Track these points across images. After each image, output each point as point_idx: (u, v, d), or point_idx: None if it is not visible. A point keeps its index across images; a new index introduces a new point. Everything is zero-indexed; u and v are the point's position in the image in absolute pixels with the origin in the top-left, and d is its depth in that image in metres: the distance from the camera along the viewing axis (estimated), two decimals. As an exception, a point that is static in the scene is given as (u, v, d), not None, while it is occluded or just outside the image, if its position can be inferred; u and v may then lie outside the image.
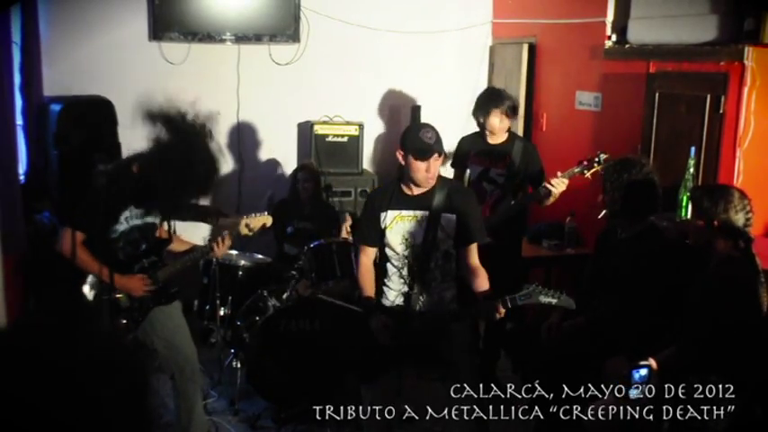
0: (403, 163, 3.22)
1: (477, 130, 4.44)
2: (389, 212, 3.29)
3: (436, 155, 3.14)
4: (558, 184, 3.98)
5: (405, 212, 3.29)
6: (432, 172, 3.17)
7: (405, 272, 3.31)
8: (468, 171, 4.50)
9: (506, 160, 4.27)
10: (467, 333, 3.31)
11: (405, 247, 3.28)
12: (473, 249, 3.31)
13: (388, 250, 3.33)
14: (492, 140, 4.30)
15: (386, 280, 3.38)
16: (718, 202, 2.85)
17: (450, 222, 3.26)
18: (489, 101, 4.29)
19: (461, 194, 3.37)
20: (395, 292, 3.35)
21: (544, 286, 3.04)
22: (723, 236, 2.87)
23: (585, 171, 4.00)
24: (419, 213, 3.26)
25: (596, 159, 3.97)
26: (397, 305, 3.33)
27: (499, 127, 4.28)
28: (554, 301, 2.99)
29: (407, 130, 3.35)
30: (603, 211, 3.58)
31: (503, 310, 3.02)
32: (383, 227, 3.30)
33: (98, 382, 0.97)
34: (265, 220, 3.52)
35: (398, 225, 3.29)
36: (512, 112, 4.32)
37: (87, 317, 3.09)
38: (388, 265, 3.35)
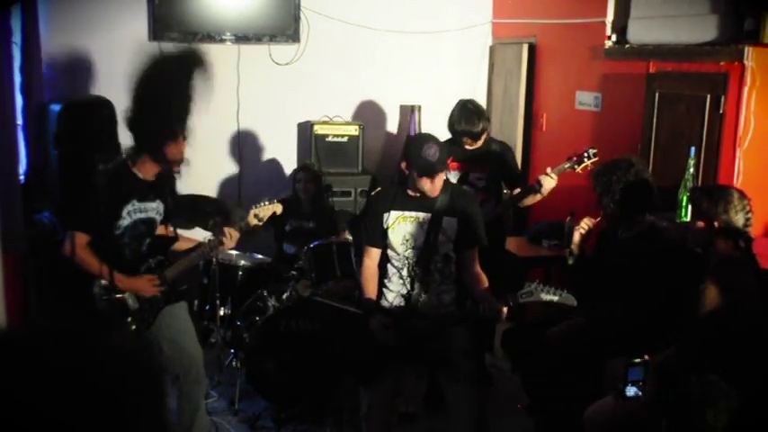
0: (407, 173, 3.26)
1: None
2: (392, 213, 3.32)
3: (440, 174, 3.20)
4: (546, 181, 3.97)
5: (407, 213, 3.32)
6: (436, 185, 3.23)
7: (404, 272, 3.32)
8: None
9: (486, 164, 4.22)
10: (466, 335, 3.30)
11: (405, 248, 3.30)
12: (474, 254, 3.34)
13: (389, 251, 3.35)
14: (469, 146, 4.21)
15: (385, 281, 3.39)
16: (718, 202, 2.85)
17: (452, 226, 3.29)
18: (464, 127, 4.10)
19: (464, 198, 3.42)
20: (393, 293, 3.36)
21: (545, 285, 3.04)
22: (723, 236, 2.86)
23: (576, 166, 4.01)
24: (421, 215, 3.30)
25: (585, 155, 3.98)
26: (397, 306, 3.34)
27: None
28: (555, 298, 3.00)
29: (411, 143, 3.36)
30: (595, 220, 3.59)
31: (505, 309, 3.04)
32: (385, 227, 3.32)
33: (118, 389, 0.95)
34: (275, 208, 3.47)
35: (400, 226, 3.31)
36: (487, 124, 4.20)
37: (101, 320, 3.10)
38: (389, 265, 3.37)
